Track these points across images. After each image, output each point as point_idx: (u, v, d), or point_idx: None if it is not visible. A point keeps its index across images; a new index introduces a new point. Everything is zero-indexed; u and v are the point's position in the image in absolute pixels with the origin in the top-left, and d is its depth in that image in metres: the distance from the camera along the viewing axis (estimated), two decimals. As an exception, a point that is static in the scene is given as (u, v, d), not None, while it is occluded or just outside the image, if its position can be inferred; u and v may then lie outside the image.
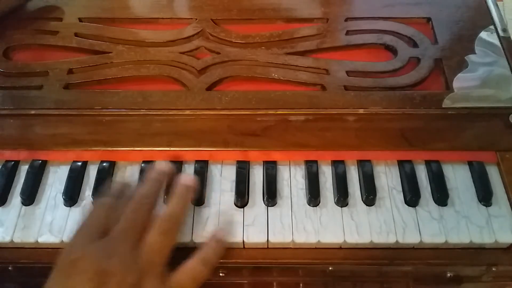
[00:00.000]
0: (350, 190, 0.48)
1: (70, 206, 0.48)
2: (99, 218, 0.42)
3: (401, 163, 0.50)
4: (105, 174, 0.49)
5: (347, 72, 0.55)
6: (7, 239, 0.46)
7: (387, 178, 0.49)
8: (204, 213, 0.47)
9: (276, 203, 0.48)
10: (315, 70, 0.56)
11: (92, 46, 0.59)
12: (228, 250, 0.46)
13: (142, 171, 0.50)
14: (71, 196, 0.48)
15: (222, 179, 0.50)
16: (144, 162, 0.50)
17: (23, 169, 0.50)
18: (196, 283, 0.41)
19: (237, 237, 0.46)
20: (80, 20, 0.62)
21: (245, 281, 0.55)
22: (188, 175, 0.47)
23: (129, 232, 0.41)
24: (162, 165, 0.47)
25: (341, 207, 0.48)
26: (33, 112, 0.53)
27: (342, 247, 0.47)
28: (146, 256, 0.40)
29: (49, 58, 0.58)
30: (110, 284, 0.37)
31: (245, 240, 0.46)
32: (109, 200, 0.44)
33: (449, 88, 0.54)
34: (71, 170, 0.50)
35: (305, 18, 0.62)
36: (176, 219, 0.43)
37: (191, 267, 0.42)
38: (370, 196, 0.47)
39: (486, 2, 0.62)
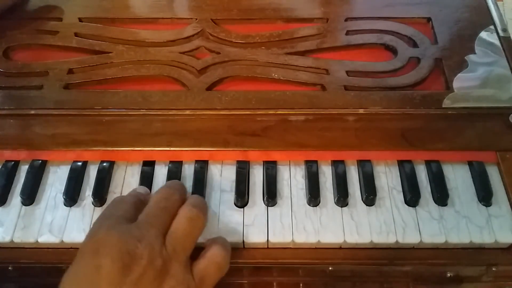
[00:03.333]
0: (350, 190, 0.48)
1: (70, 206, 0.48)
2: (127, 205, 0.43)
3: (401, 163, 0.50)
4: (105, 174, 0.49)
5: (347, 72, 0.55)
6: (7, 239, 0.46)
7: (387, 178, 0.49)
8: (204, 213, 0.47)
9: (276, 203, 0.48)
10: (315, 70, 0.56)
11: (92, 46, 0.59)
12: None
13: (142, 171, 0.50)
14: (71, 196, 0.48)
15: (222, 179, 0.50)
16: (144, 162, 0.50)
17: (23, 169, 0.50)
18: (220, 271, 0.41)
19: (237, 237, 0.46)
20: (80, 20, 0.62)
21: (245, 281, 0.55)
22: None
23: (157, 218, 0.41)
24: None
25: (341, 207, 0.48)
26: (33, 112, 0.52)
27: (342, 247, 0.47)
28: (172, 242, 0.40)
29: (49, 58, 0.58)
30: (137, 266, 0.37)
31: (245, 240, 0.46)
32: (141, 190, 0.46)
33: (449, 88, 0.54)
34: (71, 170, 0.50)
35: (305, 18, 0.62)
36: (201, 208, 0.43)
37: (214, 253, 0.41)
38: (370, 196, 0.47)
39: (486, 2, 0.62)
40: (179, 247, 0.40)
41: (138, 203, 0.44)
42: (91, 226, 0.42)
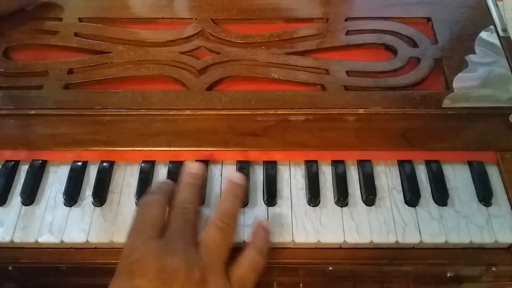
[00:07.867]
0: (350, 190, 0.48)
1: (70, 206, 0.48)
2: (154, 216, 0.42)
3: (401, 163, 0.50)
4: (105, 174, 0.49)
5: (347, 72, 0.55)
6: (7, 239, 0.46)
7: (387, 178, 0.49)
8: (204, 213, 0.47)
9: (276, 203, 0.48)
10: (315, 70, 0.56)
11: (92, 46, 0.59)
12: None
13: (142, 171, 0.50)
14: (72, 196, 0.48)
15: (223, 179, 0.50)
16: (144, 162, 0.50)
17: (23, 169, 0.50)
18: (256, 274, 0.41)
19: (237, 237, 0.46)
20: (80, 20, 0.62)
21: (245, 281, 0.55)
22: (237, 174, 0.47)
23: (183, 231, 0.41)
24: (194, 169, 0.46)
25: (341, 207, 0.48)
26: (33, 112, 0.53)
27: (342, 247, 0.47)
28: (206, 254, 0.40)
29: (49, 58, 0.58)
30: (176, 281, 0.37)
31: (245, 240, 0.46)
32: (160, 197, 0.44)
33: (449, 88, 0.54)
34: (71, 170, 0.50)
35: (305, 18, 0.62)
36: (231, 216, 0.43)
37: (249, 258, 0.41)
38: (370, 196, 0.47)
39: (486, 2, 0.62)
40: (214, 256, 0.40)
41: (166, 201, 0.44)
42: (125, 243, 0.41)
